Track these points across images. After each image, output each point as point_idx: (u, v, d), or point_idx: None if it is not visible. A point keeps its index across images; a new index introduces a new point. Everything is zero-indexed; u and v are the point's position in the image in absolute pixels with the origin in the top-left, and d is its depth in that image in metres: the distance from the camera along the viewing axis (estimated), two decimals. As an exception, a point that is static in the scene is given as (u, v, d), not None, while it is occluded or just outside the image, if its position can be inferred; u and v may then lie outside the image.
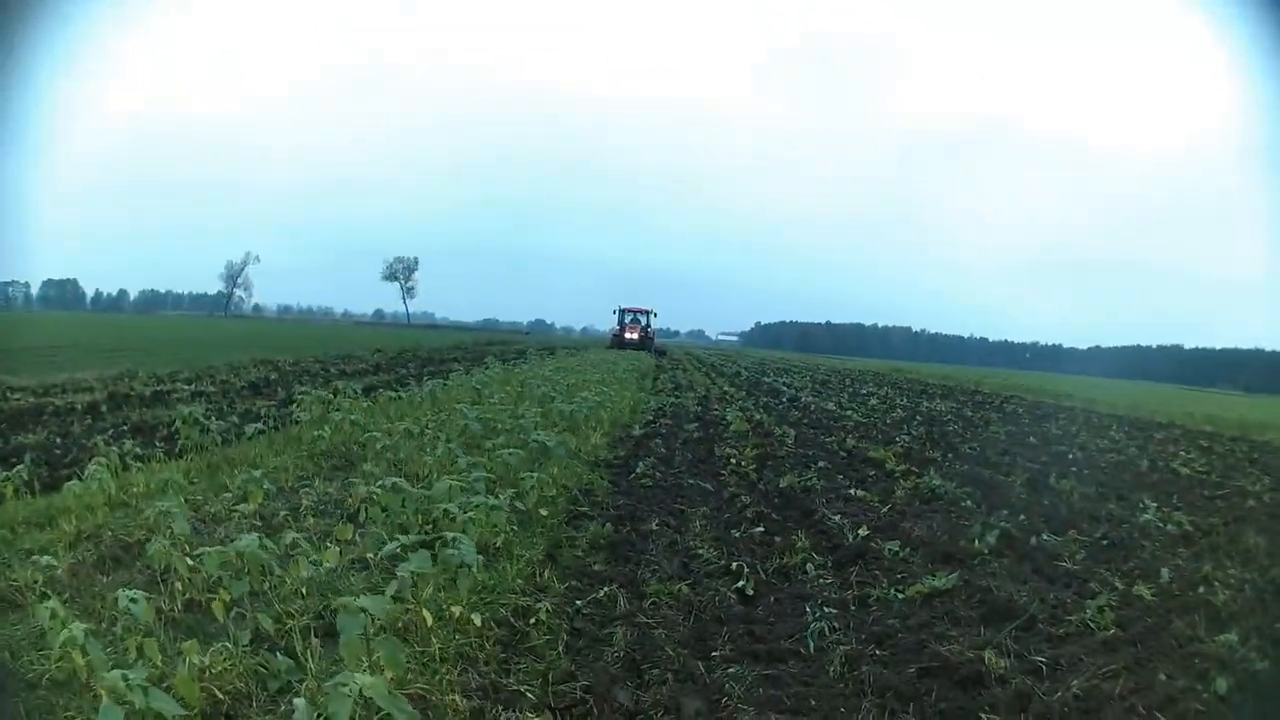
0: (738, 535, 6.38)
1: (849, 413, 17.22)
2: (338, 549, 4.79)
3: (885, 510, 7.41)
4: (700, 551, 5.79)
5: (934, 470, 9.56)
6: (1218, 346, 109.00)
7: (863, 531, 6.41)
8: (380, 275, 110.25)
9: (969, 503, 7.98)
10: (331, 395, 11.42)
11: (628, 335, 49.21)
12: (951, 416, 18.37)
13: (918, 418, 17.24)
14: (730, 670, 3.84)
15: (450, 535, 4.01)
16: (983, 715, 3.51)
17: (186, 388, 14.12)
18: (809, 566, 5.56)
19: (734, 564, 5.42)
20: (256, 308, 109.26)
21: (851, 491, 8.22)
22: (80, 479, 6.13)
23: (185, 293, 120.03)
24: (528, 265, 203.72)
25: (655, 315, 51.63)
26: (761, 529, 6.50)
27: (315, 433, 8.79)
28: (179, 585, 4.25)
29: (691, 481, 8.36)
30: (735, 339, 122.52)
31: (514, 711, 3.30)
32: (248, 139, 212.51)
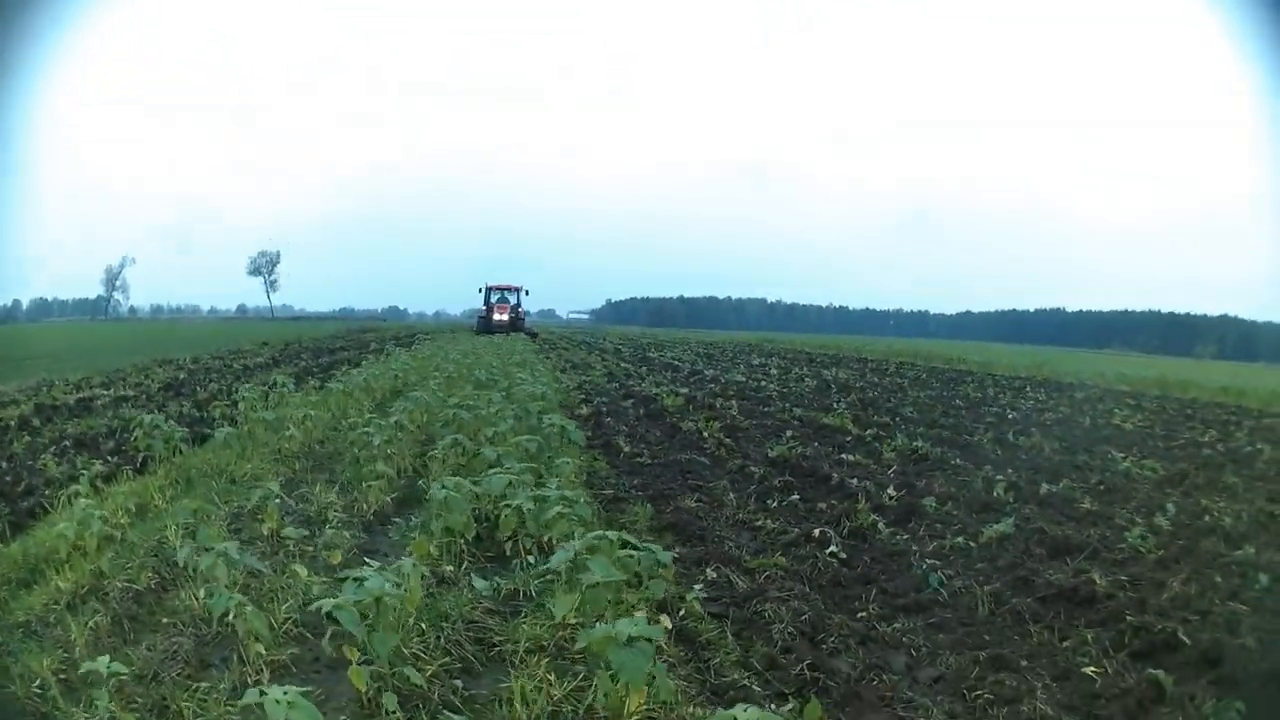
0: (775, 504, 7.05)
1: (764, 383, 18.29)
2: (455, 569, 4.88)
3: (890, 471, 8.32)
4: (760, 523, 6.43)
5: (899, 434, 10.60)
6: (1105, 309, 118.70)
7: (891, 491, 7.28)
8: (245, 270, 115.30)
9: (957, 460, 9.04)
10: (267, 390, 11.85)
11: (496, 316, 47.80)
12: (864, 384, 19.78)
13: (832, 386, 18.55)
14: (895, 625, 4.53)
15: (587, 535, 4.02)
16: (1128, 617, 4.38)
17: (105, 393, 14.28)
18: (879, 525, 6.32)
19: (815, 530, 6.07)
20: (132, 309, 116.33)
21: (842, 456, 9.10)
22: (53, 511, 6.00)
23: (69, 299, 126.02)
24: (379, 252, 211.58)
25: (527, 293, 50.58)
26: (796, 496, 7.20)
27: (285, 432, 8.87)
28: (257, 648, 3.77)
29: (685, 456, 8.95)
30: (587, 316, 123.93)
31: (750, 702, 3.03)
32: (112, 136, 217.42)
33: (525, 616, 4.26)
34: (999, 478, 8.05)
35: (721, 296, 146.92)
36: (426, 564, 4.73)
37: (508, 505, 5.09)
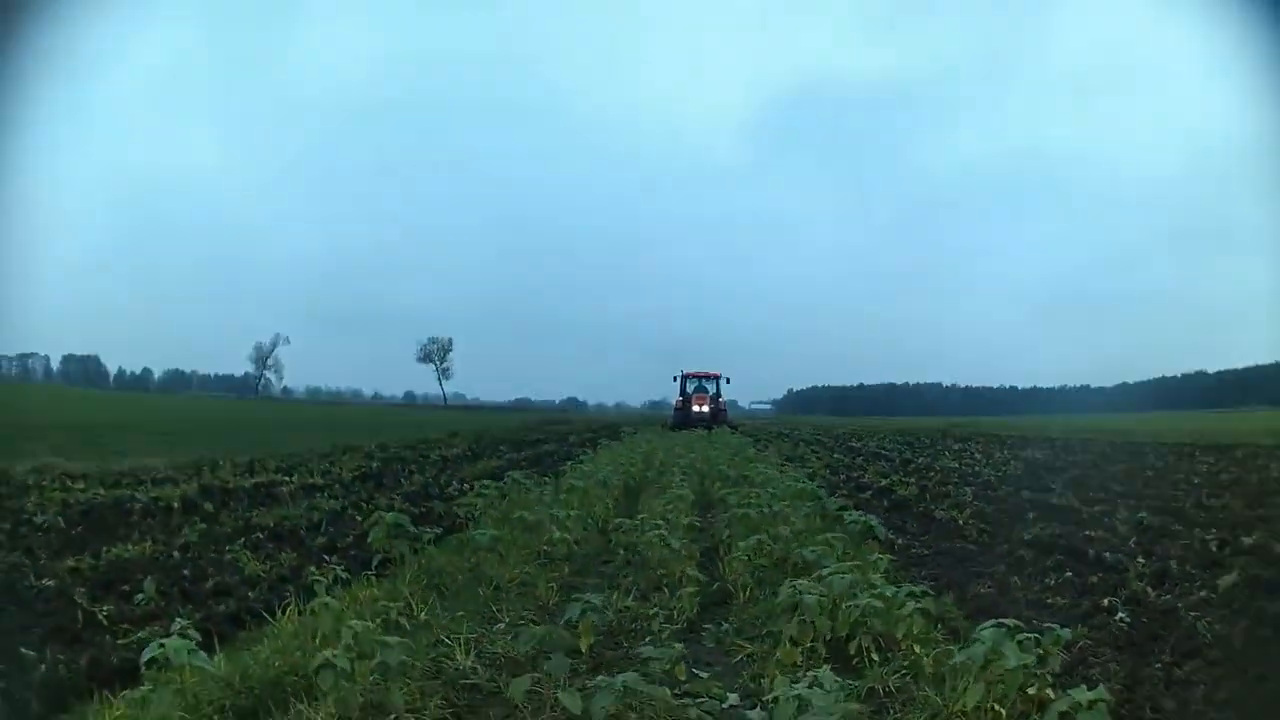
0: (1053, 583, 7.49)
1: (977, 468, 18.58)
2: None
3: (1132, 542, 8.89)
4: (1050, 600, 6.97)
5: (1120, 507, 11.10)
6: (1239, 366, 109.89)
7: (1140, 559, 7.92)
8: (415, 357, 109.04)
9: (1176, 525, 9.74)
10: (502, 486, 10.84)
11: (696, 408, 41.11)
12: (1064, 463, 19.69)
13: (1039, 468, 18.65)
14: (1186, 668, 5.37)
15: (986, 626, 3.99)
16: None
17: (287, 479, 12.50)
18: (1147, 589, 7.02)
19: (1105, 600, 6.66)
20: (286, 389, 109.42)
21: (1086, 533, 9.54)
22: (275, 620, 5.37)
23: (211, 373, 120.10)
24: (554, 342, 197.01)
25: (728, 381, 44.02)
26: (1070, 573, 7.75)
27: (549, 534, 7.90)
28: None
29: (950, 544, 9.44)
30: (769, 407, 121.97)
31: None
32: (266, 217, 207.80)
33: (892, 714, 4.37)
34: (1208, 537, 8.63)
35: (899, 382, 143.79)
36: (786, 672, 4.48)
37: (854, 605, 4.94)
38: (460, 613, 5.68)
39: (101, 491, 10.20)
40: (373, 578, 6.31)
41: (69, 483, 10.66)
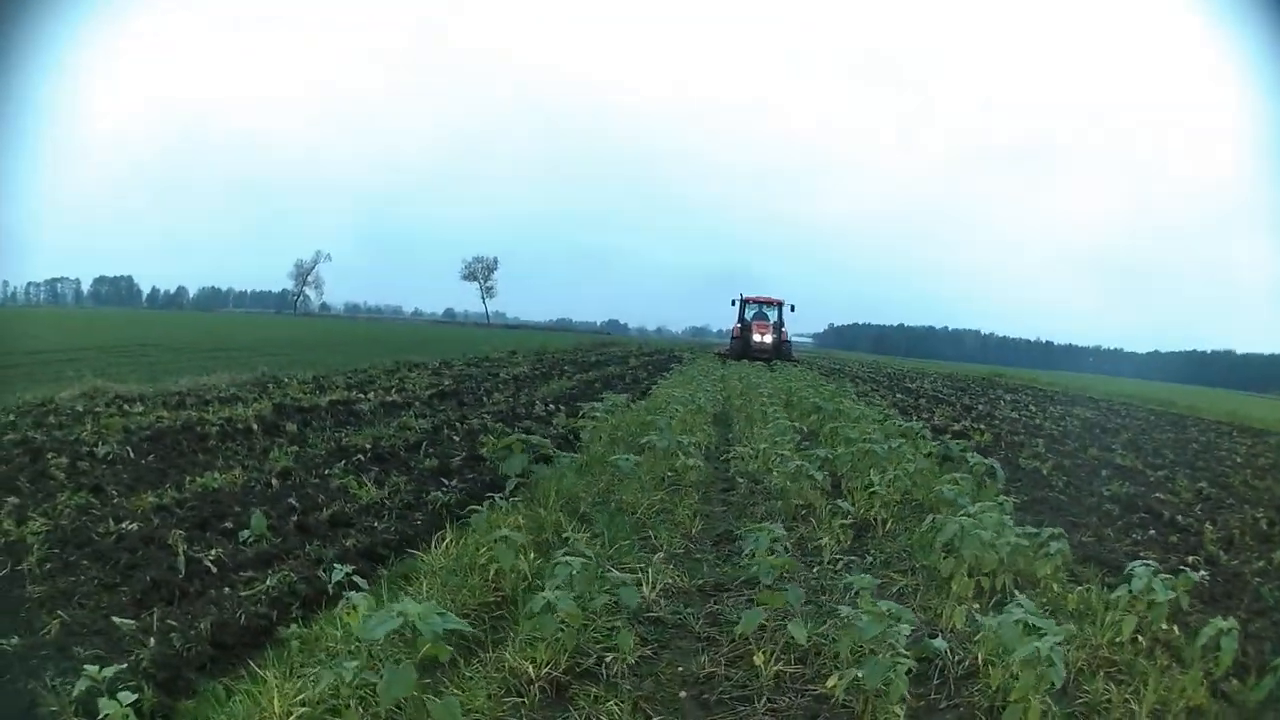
0: (1140, 538, 7.87)
1: (1038, 421, 18.74)
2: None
3: (1198, 508, 9.30)
4: (1141, 554, 7.60)
5: (1179, 475, 11.40)
6: (1267, 352, 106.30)
7: (1209, 525, 8.30)
8: (460, 275, 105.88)
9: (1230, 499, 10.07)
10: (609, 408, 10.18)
11: (757, 337, 34.27)
12: (1118, 424, 19.99)
13: (1097, 427, 18.92)
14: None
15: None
16: None
17: (364, 396, 11.22)
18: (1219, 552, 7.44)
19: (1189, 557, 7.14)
20: (324, 306, 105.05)
21: (1155, 495, 9.89)
22: (419, 552, 4.88)
23: (247, 290, 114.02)
24: (596, 265, 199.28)
25: (793, 309, 36.20)
26: (1153, 531, 8.16)
27: (685, 461, 7.63)
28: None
29: (1044, 494, 9.51)
30: (810, 340, 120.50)
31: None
32: (312, 138, 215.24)
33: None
34: (1258, 514, 8.90)
35: (939, 326, 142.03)
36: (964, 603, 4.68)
37: (1006, 542, 5.13)
38: (622, 541, 5.29)
39: (165, 414, 8.47)
40: (517, 503, 5.69)
41: (126, 407, 8.97)
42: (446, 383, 14.36)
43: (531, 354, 26.97)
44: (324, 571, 4.20)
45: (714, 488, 7.87)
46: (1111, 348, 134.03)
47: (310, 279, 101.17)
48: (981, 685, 3.84)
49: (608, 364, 25.68)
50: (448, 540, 4.97)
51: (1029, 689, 3.40)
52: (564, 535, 5.18)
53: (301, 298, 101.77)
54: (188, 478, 6.18)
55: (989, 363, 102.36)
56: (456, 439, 8.80)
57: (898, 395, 23.95)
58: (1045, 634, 3.49)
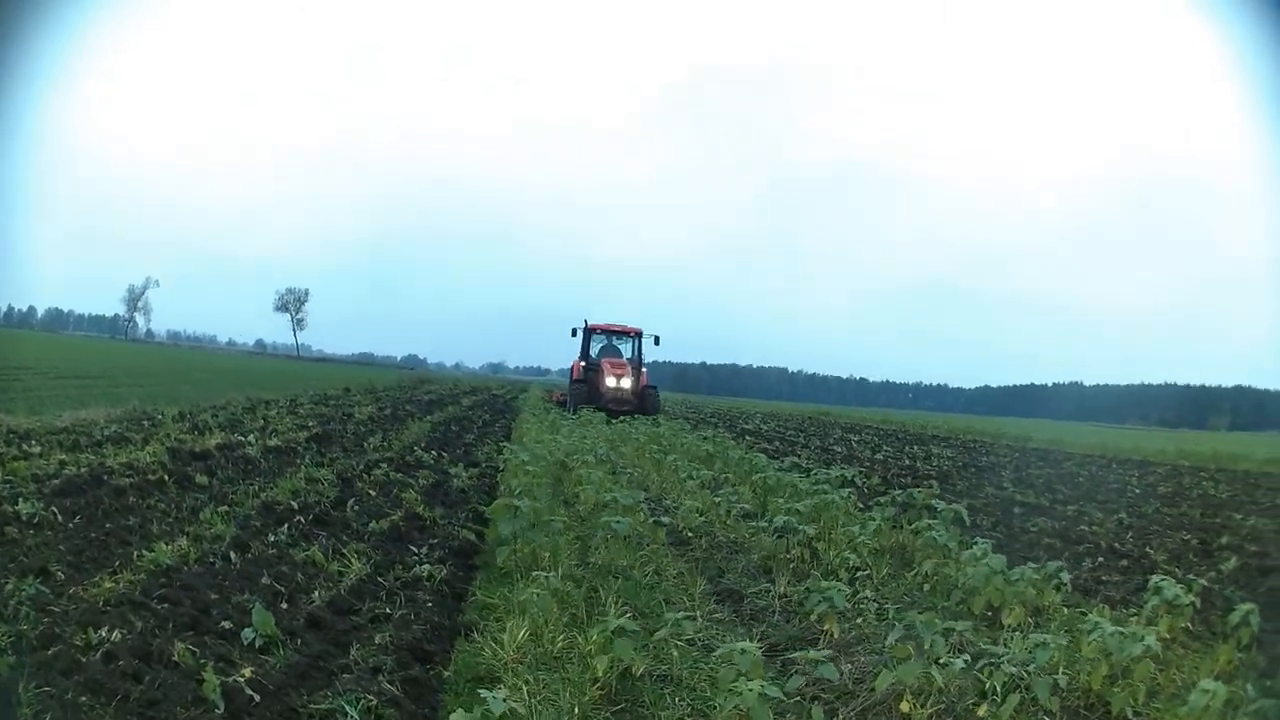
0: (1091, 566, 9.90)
1: (910, 462, 21.40)
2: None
3: (1128, 535, 11.34)
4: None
5: (1091, 509, 13.67)
6: (1122, 383, 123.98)
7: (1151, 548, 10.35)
8: (273, 306, 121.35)
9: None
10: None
11: (610, 380, 29.77)
12: (988, 463, 23.13)
13: (970, 465, 21.73)
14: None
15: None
16: None
17: (245, 440, 12.17)
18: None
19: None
20: (149, 333, 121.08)
21: (1080, 528, 11.99)
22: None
23: (85, 314, 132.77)
24: (396, 300, 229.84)
25: (657, 342, 31.99)
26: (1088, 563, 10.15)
27: (656, 519, 8.89)
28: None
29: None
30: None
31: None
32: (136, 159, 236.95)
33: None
34: (1185, 537, 11.32)
35: (742, 364, 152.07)
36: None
37: (1019, 579, 6.83)
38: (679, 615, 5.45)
39: (65, 458, 9.21)
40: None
41: (25, 447, 9.75)
42: (312, 424, 15.96)
43: (363, 391, 31.16)
44: (390, 683, 4.43)
45: (682, 546, 8.99)
46: (934, 384, 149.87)
47: (140, 304, 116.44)
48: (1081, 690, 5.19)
49: (444, 404, 29.47)
50: (522, 631, 5.40)
51: (1145, 675, 4.98)
52: (600, 609, 6.02)
53: (131, 323, 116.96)
54: (134, 551, 6.28)
55: (798, 400, 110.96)
56: (374, 494, 9.73)
57: (747, 437, 26.11)
58: (1144, 637, 5.03)
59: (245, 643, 4.73)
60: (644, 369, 31.45)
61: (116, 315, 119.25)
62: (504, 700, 3.72)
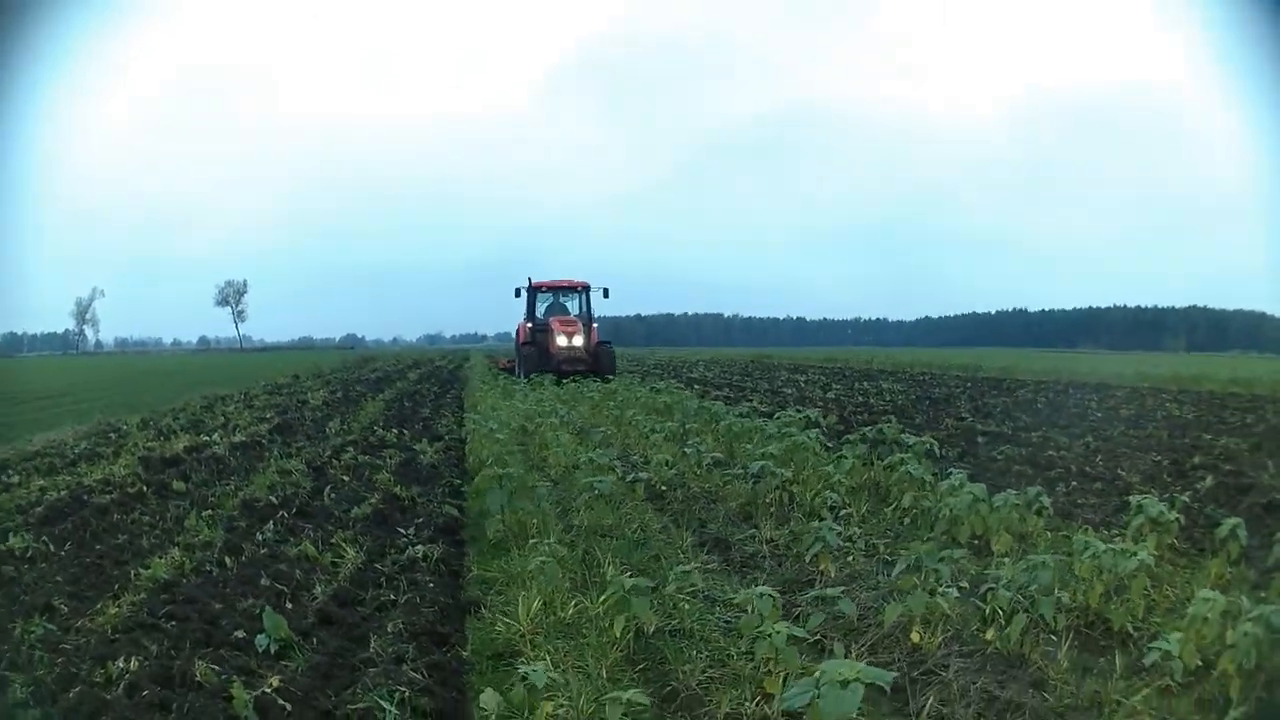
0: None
1: (864, 399, 21.89)
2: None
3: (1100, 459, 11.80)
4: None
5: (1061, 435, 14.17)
6: (1069, 307, 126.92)
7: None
8: (213, 301, 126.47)
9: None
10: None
11: (561, 339, 28.45)
12: (941, 393, 23.69)
13: (925, 399, 22.34)
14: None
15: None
16: None
17: (211, 439, 12.87)
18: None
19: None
20: (99, 343, 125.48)
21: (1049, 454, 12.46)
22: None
23: (38, 333, 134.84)
24: (331, 280, 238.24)
25: (606, 295, 30.91)
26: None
27: (634, 476, 9.09)
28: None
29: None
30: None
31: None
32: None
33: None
34: (1157, 458, 11.73)
35: (677, 313, 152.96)
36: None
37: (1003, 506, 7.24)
38: (685, 567, 5.90)
39: (44, 483, 9.70)
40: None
41: (3, 477, 10.27)
42: (270, 415, 16.61)
43: (311, 376, 32.63)
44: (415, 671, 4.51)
45: (657, 499, 9.32)
46: (872, 318, 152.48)
47: (88, 317, 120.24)
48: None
49: (392, 380, 30.31)
50: (534, 602, 5.58)
51: (1140, 590, 5.41)
52: (597, 571, 6.28)
53: (81, 336, 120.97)
54: (130, 570, 6.38)
55: (734, 345, 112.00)
56: (347, 479, 9.90)
57: (695, 385, 26.64)
58: (1137, 553, 5.43)
59: (261, 650, 4.78)
60: (595, 325, 30.23)
61: (67, 330, 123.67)
62: (544, 672, 3.92)
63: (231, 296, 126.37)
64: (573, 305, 30.90)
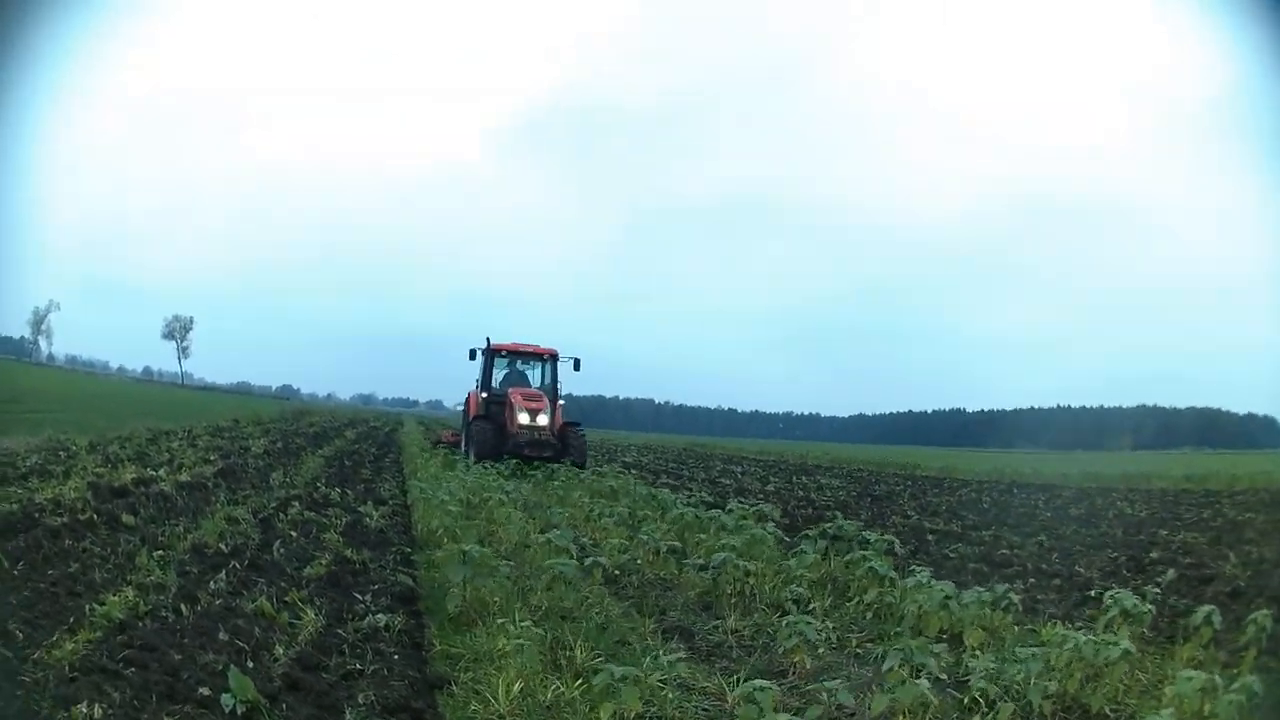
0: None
1: (805, 494, 22.41)
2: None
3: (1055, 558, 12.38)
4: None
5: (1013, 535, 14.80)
6: (1008, 408, 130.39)
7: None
8: (160, 333, 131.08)
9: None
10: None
11: (524, 417, 24.64)
12: (880, 492, 24.45)
13: (866, 496, 23.04)
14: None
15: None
16: None
17: (158, 474, 12.78)
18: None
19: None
20: (50, 356, 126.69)
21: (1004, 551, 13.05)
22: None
23: None
24: (272, 328, 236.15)
25: (576, 368, 27.36)
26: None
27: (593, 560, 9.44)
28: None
29: None
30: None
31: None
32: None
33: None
34: (1114, 554, 12.32)
35: (608, 395, 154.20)
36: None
37: (971, 603, 7.85)
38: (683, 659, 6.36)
39: None
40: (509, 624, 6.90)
41: None
42: (214, 457, 16.81)
43: (251, 422, 33.16)
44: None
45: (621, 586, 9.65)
46: (805, 413, 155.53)
47: (43, 328, 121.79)
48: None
49: (330, 437, 31.49)
50: (516, 684, 5.74)
51: (1120, 672, 6.00)
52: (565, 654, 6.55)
53: (36, 346, 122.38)
54: (85, 604, 6.43)
55: (665, 431, 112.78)
56: (295, 535, 10.28)
57: (633, 470, 27.09)
58: (1119, 642, 5.97)
59: (227, 710, 4.83)
60: (561, 402, 26.80)
61: (23, 337, 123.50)
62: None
63: (178, 331, 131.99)
64: (534, 376, 27.84)
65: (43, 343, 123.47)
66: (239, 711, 4.82)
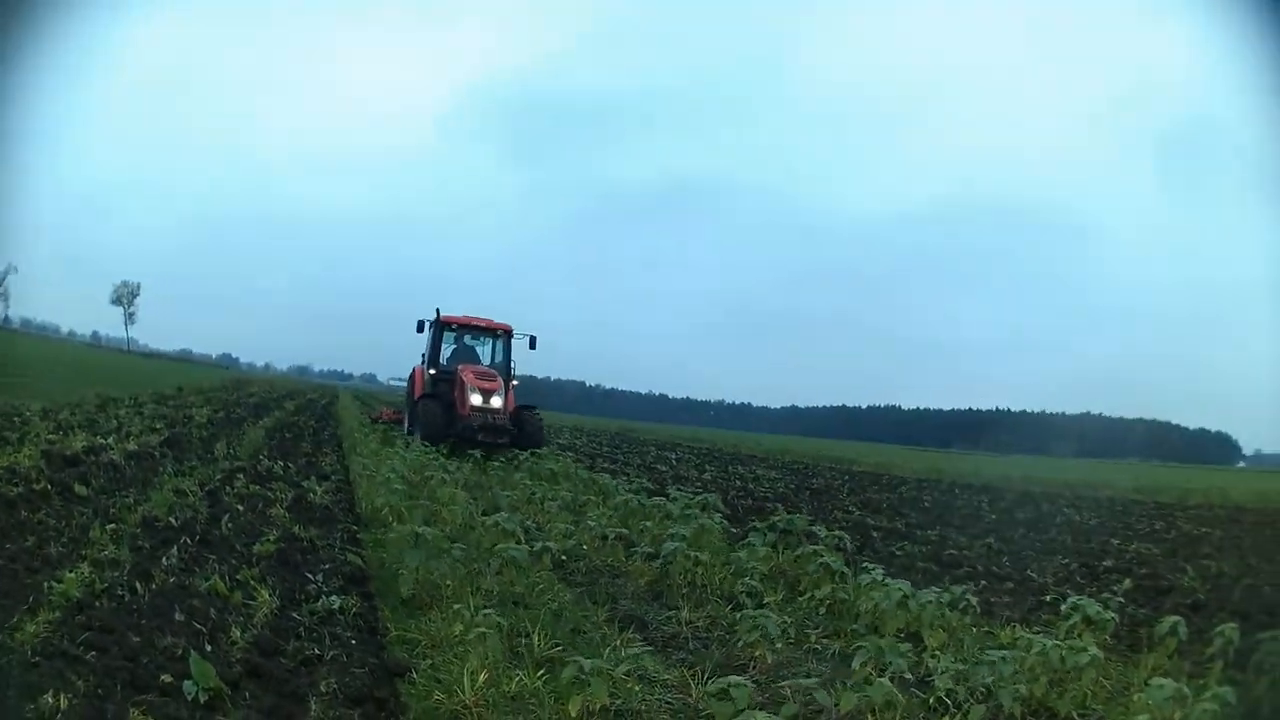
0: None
1: (746, 485, 22.55)
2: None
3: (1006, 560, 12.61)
4: None
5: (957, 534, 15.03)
6: (946, 408, 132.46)
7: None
8: (109, 299, 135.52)
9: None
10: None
11: (476, 398, 22.81)
12: (821, 486, 24.70)
13: (804, 488, 23.24)
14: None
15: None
16: None
17: (107, 443, 13.05)
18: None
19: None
20: (6, 319, 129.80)
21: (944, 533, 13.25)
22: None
23: None
24: (213, 296, 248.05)
25: (532, 346, 25.18)
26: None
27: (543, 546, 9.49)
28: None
29: None
30: (405, 384, 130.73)
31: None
32: None
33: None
34: (1064, 560, 12.54)
35: (540, 376, 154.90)
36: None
37: (927, 602, 7.88)
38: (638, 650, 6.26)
39: None
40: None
41: None
42: (159, 426, 17.32)
43: (194, 391, 34.48)
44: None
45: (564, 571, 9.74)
46: (737, 402, 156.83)
47: (1, 290, 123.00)
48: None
49: (270, 408, 32.68)
50: (482, 674, 5.67)
51: (1089, 679, 6.16)
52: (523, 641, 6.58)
53: None
54: (43, 581, 6.45)
55: (593, 414, 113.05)
56: (241, 509, 10.24)
57: (568, 454, 26.86)
58: (1086, 648, 6.21)
59: (190, 698, 4.79)
60: (514, 383, 24.99)
61: None
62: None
63: (125, 297, 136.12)
64: (484, 352, 25.97)
65: (0, 305, 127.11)
66: (201, 699, 4.78)
